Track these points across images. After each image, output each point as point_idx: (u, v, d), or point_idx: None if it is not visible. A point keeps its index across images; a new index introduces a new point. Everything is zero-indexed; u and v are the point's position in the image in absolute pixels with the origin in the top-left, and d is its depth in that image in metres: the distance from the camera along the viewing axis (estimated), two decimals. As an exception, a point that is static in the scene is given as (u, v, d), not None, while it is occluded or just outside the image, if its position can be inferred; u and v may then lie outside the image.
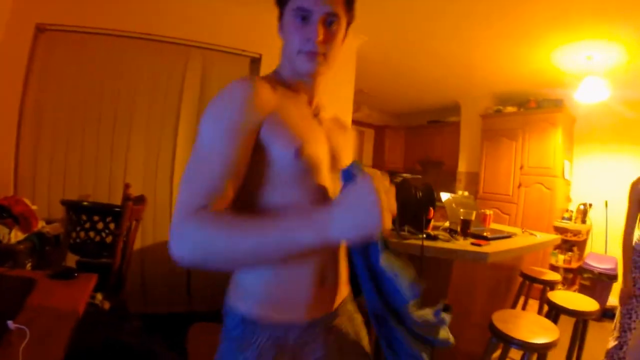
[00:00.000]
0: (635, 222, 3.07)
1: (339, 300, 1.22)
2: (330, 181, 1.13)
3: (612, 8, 3.29)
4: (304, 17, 1.06)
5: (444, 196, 3.24)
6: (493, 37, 4.23)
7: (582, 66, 4.54)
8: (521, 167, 5.91)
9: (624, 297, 3.01)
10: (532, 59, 4.70)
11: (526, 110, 6.05)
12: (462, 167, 6.87)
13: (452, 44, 4.50)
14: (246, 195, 1.02)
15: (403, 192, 2.60)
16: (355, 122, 7.62)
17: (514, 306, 3.35)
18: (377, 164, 8.45)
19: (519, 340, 1.95)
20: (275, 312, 1.09)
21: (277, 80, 1.15)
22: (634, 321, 2.95)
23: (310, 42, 1.05)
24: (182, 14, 3.71)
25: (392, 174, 2.87)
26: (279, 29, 1.15)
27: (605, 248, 5.45)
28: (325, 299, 1.17)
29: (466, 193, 3.52)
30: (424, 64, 5.28)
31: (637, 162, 5.38)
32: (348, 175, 0.98)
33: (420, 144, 8.16)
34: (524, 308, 3.42)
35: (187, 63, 3.87)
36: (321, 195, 1.09)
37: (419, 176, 2.80)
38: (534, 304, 3.54)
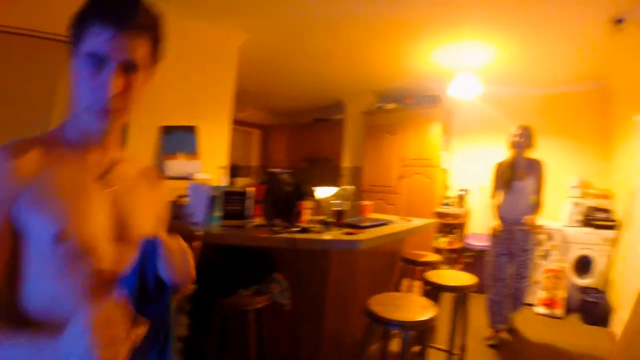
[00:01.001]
0: (495, 195, 4.04)
1: None
2: (113, 256, 0.91)
3: (485, 11, 3.63)
4: (97, 64, 0.84)
5: (323, 190, 3.34)
6: (373, 36, 4.36)
7: (458, 64, 4.87)
8: (402, 160, 6.25)
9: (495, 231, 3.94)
10: (411, 57, 4.93)
11: (405, 106, 6.39)
12: (347, 162, 7.08)
13: (335, 43, 4.59)
14: (8, 292, 0.85)
15: (272, 187, 2.66)
16: (240, 122, 7.60)
17: (397, 290, 3.44)
18: (264, 163, 8.56)
19: (396, 320, 1.94)
20: None
21: (56, 138, 0.94)
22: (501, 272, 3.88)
23: (102, 97, 0.84)
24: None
25: (266, 171, 2.96)
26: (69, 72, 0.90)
27: (482, 228, 5.84)
28: None
29: (350, 187, 3.68)
30: (308, 62, 5.35)
31: (503, 151, 5.88)
32: (148, 248, 0.84)
33: (305, 142, 8.29)
34: (409, 290, 3.57)
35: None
36: (98, 282, 0.87)
37: (290, 171, 2.84)
38: (418, 286, 3.65)
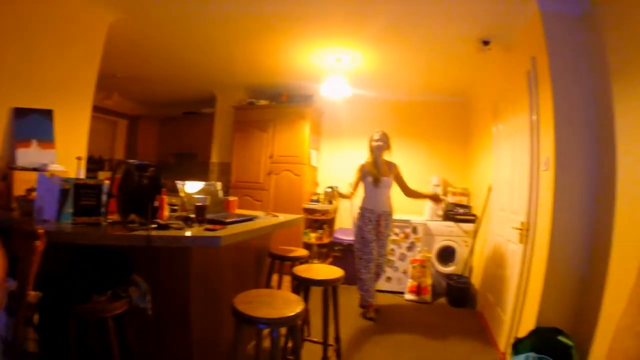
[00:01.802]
0: (356, 187, 4.57)
1: None
2: None
3: (355, 20, 3.81)
4: None
5: (190, 186, 3.08)
6: (252, 32, 4.23)
7: (332, 66, 4.99)
8: (271, 156, 6.16)
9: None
10: (287, 56, 4.90)
11: (278, 103, 6.34)
12: (215, 157, 6.84)
13: (212, 33, 4.37)
14: None
15: (127, 180, 2.36)
16: (105, 110, 7.04)
17: (267, 286, 3.41)
18: (131, 156, 7.87)
19: (262, 318, 1.87)
20: None
21: None
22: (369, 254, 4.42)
23: None
24: None
25: (120, 161, 2.62)
26: None
27: (351, 223, 6.14)
28: None
29: (217, 183, 3.46)
30: (181, 51, 5.03)
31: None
32: None
33: (174, 135, 7.90)
34: (279, 287, 3.53)
35: None
36: None
37: (147, 162, 2.56)
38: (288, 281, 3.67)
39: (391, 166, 4.60)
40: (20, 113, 3.14)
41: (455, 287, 5.03)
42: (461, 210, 5.60)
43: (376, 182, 4.44)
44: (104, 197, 2.40)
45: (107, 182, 2.46)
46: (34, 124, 3.22)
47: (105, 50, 4.00)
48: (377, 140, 4.49)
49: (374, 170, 4.48)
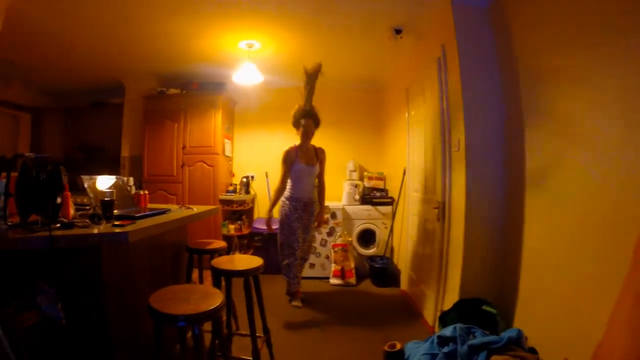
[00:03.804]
0: (287, 179, 4.43)
1: None
2: None
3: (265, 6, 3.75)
4: None
5: (100, 181, 2.87)
6: (158, 13, 3.96)
7: (243, 53, 4.87)
8: (183, 147, 5.94)
9: (267, 224, 4.48)
10: (198, 41, 4.70)
11: (189, 92, 6.08)
12: (125, 151, 6.44)
13: (117, 15, 4.03)
14: None
15: (23, 175, 2.15)
16: (6, 103, 6.38)
17: (188, 282, 3.30)
18: (36, 152, 7.14)
19: (180, 315, 1.78)
20: None
21: None
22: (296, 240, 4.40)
23: None
24: None
25: (15, 154, 2.38)
26: None
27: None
28: None
29: (130, 178, 3.28)
30: (84, 35, 4.58)
31: (286, 138, 6.26)
32: None
33: (81, 128, 7.23)
34: (201, 282, 3.45)
35: None
36: None
37: (46, 156, 2.36)
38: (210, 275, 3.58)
39: (319, 152, 4.54)
40: None
41: (378, 268, 5.15)
42: (378, 194, 5.74)
43: (306, 170, 4.38)
44: (1, 198, 2.18)
45: (2, 179, 2.23)
46: None
47: (2, 35, 3.59)
48: (305, 126, 4.40)
49: (303, 158, 4.39)
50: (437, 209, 3.50)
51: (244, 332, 3.17)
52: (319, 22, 4.04)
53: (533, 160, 2.67)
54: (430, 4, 3.46)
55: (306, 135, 4.38)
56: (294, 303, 4.41)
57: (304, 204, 4.42)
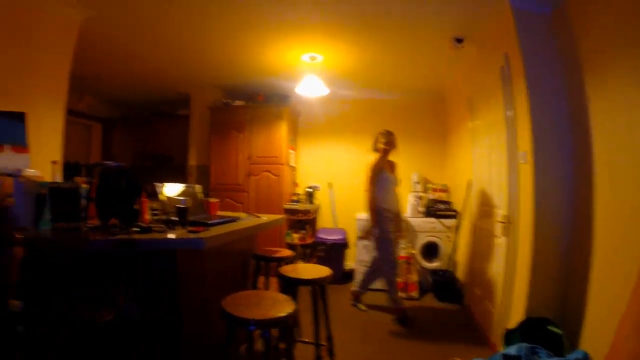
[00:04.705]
0: (377, 189, 4.41)
1: None
2: None
3: (329, 20, 3.84)
4: None
5: (167, 187, 3.04)
6: (227, 29, 4.15)
7: (307, 65, 4.97)
8: (249, 157, 6.11)
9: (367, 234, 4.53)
10: (263, 55, 4.85)
11: (254, 104, 6.26)
12: (193, 160, 6.70)
13: (186, 32, 4.29)
14: None
15: (105, 183, 2.33)
16: (78, 113, 6.81)
17: (254, 288, 3.36)
18: (106, 160, 7.61)
19: (253, 319, 1.85)
20: None
21: None
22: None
23: None
24: None
25: (97, 164, 2.58)
26: None
27: (333, 222, 6.41)
28: None
29: (197, 185, 3.45)
30: (155, 50, 4.89)
31: (348, 149, 6.47)
32: None
33: (150, 138, 7.67)
34: (267, 289, 3.50)
35: None
36: None
37: (122, 164, 2.53)
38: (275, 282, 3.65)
39: (394, 166, 4.64)
40: None
41: (441, 282, 5.08)
42: (442, 207, 5.64)
43: (392, 180, 4.49)
44: (83, 202, 2.37)
45: (85, 185, 2.42)
46: (5, 127, 3.07)
47: (75, 51, 3.87)
48: (382, 142, 4.45)
49: (388, 168, 4.49)
50: (503, 224, 3.40)
51: (306, 340, 3.22)
52: (379, 34, 4.07)
53: (602, 175, 2.54)
54: (492, 12, 3.41)
55: (390, 147, 4.49)
56: (401, 320, 4.26)
57: (395, 214, 4.49)
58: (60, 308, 1.97)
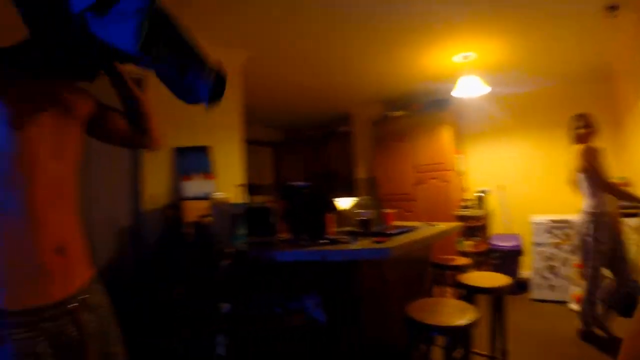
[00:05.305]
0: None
1: (79, 277, 1.17)
2: None
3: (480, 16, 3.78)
4: None
5: (343, 201, 3.28)
6: (379, 43, 4.29)
7: (460, 67, 4.90)
8: (415, 166, 6.16)
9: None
10: (416, 62, 4.92)
11: (412, 112, 6.31)
12: (360, 173, 6.96)
13: (339, 56, 4.56)
14: None
15: (293, 201, 2.62)
16: (250, 141, 7.50)
17: (430, 296, 3.35)
18: (278, 180, 8.41)
19: (438, 326, 1.89)
20: (16, 293, 1.02)
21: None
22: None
23: None
24: None
25: (285, 185, 2.89)
26: None
27: (506, 228, 6.05)
28: (61, 272, 1.09)
29: (367, 197, 3.66)
30: (311, 76, 5.30)
31: (514, 147, 6.10)
32: None
33: (316, 156, 8.17)
34: (442, 296, 3.50)
35: None
36: None
37: (309, 183, 2.82)
38: (450, 291, 3.60)
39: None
40: (181, 152, 3.64)
41: (625, 294, 4.26)
42: (624, 203, 4.83)
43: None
44: (272, 218, 2.64)
45: (273, 204, 2.71)
46: (193, 159, 3.71)
47: (244, 86, 4.43)
48: (580, 127, 3.78)
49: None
50: None
51: (478, 351, 2.98)
52: (528, 18, 3.84)
53: None
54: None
55: (591, 131, 3.77)
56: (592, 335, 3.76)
57: (614, 215, 3.73)
58: (258, 311, 2.28)
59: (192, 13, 3.36)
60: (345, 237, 2.62)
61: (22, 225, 1.02)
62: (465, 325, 1.91)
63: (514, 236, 5.72)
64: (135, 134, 1.48)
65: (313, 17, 3.65)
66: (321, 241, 2.46)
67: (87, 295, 1.16)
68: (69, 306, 1.08)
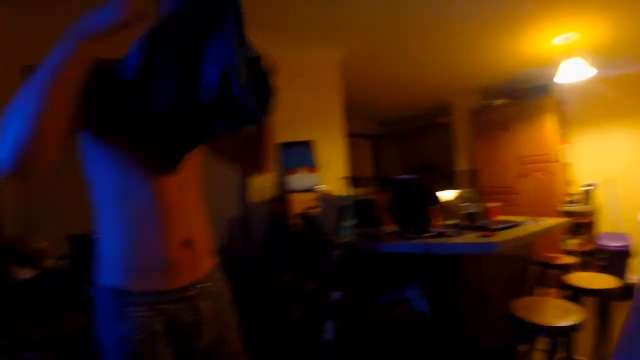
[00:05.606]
0: None
1: (203, 267, 1.24)
2: None
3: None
4: None
5: (445, 194, 3.19)
6: (476, 30, 4.16)
7: (561, 49, 4.58)
8: (518, 157, 5.90)
9: None
10: (512, 48, 4.70)
11: (513, 100, 6.03)
12: (460, 165, 6.80)
13: (435, 45, 4.48)
14: None
15: (399, 194, 2.59)
16: (350, 134, 7.60)
17: (532, 295, 3.21)
18: (377, 173, 8.39)
19: (544, 325, 1.85)
20: (142, 279, 1.09)
21: None
22: None
23: None
24: None
25: (390, 178, 2.87)
26: None
27: (615, 226, 5.50)
28: (187, 264, 1.16)
29: (470, 189, 3.54)
30: (408, 68, 5.24)
31: (627, 136, 5.53)
32: None
33: (415, 148, 8.08)
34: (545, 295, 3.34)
35: None
36: None
37: (415, 176, 2.76)
38: (553, 291, 3.47)
39: None
40: (286, 147, 3.76)
41: None
42: None
43: None
44: (377, 211, 2.69)
45: (379, 197, 2.73)
46: (297, 154, 3.83)
47: (343, 82, 4.52)
48: None
49: None
50: None
51: (580, 358, 2.77)
52: None
53: None
54: None
55: None
56: None
57: None
58: (364, 300, 2.29)
59: (295, 13, 3.49)
60: (450, 230, 2.62)
61: (154, 220, 1.11)
62: (570, 326, 1.87)
63: (623, 235, 5.24)
64: (248, 167, 1.50)
65: (409, 13, 3.62)
66: (427, 234, 2.47)
67: (208, 284, 1.24)
68: (189, 293, 1.16)
